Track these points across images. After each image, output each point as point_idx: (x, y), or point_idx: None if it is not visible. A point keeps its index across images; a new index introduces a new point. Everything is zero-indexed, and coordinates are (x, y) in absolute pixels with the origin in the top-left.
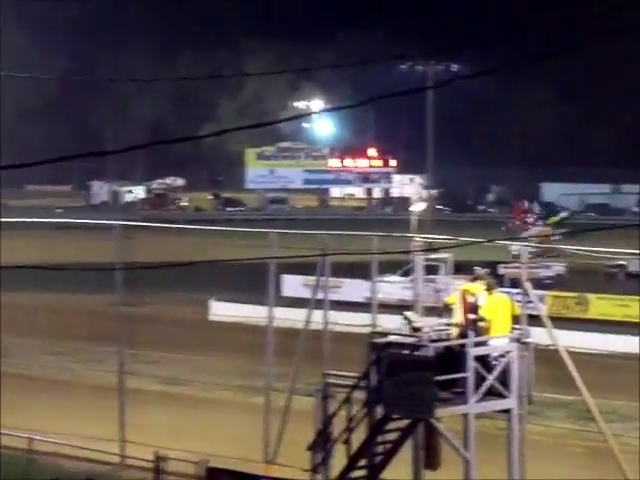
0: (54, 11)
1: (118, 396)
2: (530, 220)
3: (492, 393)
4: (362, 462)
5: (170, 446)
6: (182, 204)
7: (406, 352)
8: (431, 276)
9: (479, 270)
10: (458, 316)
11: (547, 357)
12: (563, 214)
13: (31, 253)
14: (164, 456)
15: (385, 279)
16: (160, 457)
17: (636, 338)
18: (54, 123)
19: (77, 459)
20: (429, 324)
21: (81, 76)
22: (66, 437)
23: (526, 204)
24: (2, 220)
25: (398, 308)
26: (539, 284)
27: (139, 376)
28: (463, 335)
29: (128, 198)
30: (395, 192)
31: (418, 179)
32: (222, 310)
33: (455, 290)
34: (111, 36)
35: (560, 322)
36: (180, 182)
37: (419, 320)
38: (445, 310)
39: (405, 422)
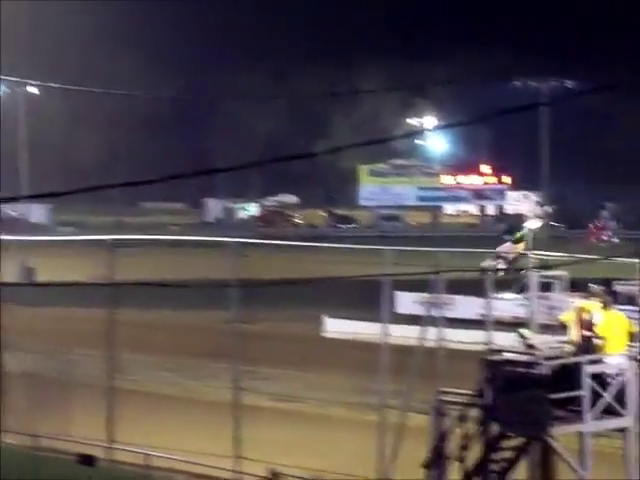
0: (169, 31)
1: (233, 412)
2: (606, 237)
3: (608, 411)
4: None
5: (284, 462)
6: (296, 221)
7: (521, 370)
8: (546, 293)
9: (594, 287)
10: (573, 333)
11: None
12: (525, 230)
13: (146, 270)
14: (278, 472)
15: (499, 296)
16: (274, 473)
17: None
18: (169, 141)
19: (192, 475)
20: (544, 341)
21: (195, 94)
22: (181, 453)
23: (603, 221)
24: (125, 237)
25: (512, 325)
26: None
27: (253, 392)
28: (578, 353)
29: (241, 215)
30: (509, 209)
31: (532, 196)
32: (336, 327)
33: (570, 307)
34: (225, 54)
35: None
36: (293, 199)
37: (534, 337)
38: (560, 327)
39: (520, 440)
